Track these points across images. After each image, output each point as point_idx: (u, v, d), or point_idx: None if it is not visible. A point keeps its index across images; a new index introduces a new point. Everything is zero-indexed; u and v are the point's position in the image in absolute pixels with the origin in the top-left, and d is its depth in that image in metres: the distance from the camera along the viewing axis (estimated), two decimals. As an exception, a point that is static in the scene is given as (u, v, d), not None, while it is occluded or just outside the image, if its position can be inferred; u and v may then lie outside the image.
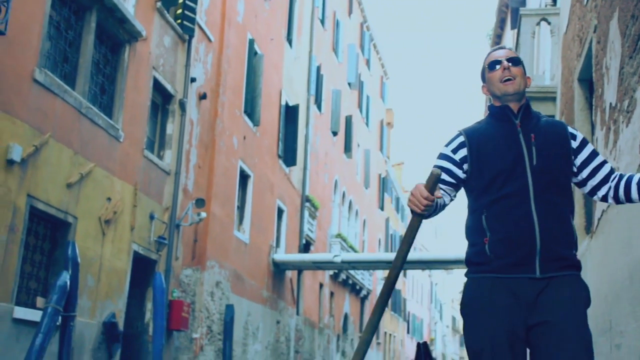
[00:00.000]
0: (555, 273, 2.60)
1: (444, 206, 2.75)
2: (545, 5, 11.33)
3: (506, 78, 2.73)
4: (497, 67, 2.76)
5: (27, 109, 8.30)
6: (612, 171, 2.75)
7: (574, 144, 2.74)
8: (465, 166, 2.75)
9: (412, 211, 2.55)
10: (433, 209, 2.57)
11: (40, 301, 8.45)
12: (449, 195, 2.77)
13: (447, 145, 2.82)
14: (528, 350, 2.63)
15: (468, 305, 2.71)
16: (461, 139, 2.79)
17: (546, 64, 10.86)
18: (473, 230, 2.73)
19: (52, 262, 9.03)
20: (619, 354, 4.76)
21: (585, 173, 2.75)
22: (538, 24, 10.08)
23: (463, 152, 2.76)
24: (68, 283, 6.92)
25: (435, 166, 2.79)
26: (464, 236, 2.81)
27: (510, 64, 2.75)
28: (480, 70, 2.88)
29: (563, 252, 2.63)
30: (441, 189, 2.72)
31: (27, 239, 8.46)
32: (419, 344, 4.67)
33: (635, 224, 4.32)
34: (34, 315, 8.03)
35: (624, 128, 4.69)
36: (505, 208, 2.63)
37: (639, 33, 4.30)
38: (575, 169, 2.75)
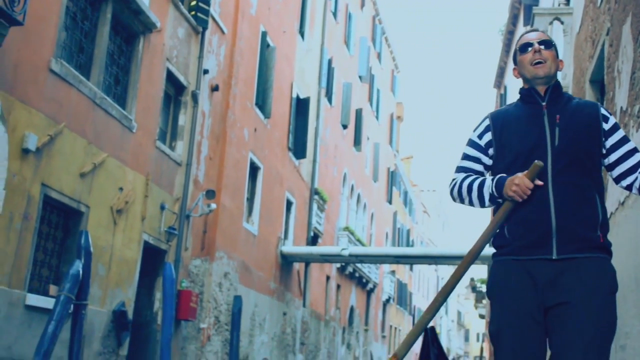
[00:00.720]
0: (574, 255, 2.57)
1: None
2: (559, 5, 11.34)
3: (537, 61, 2.72)
4: (529, 49, 2.75)
5: (42, 98, 8.40)
6: None
7: (606, 126, 2.70)
8: (491, 150, 2.78)
9: (510, 198, 2.61)
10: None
11: (53, 289, 8.57)
12: None
13: (474, 130, 2.85)
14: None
15: (490, 288, 2.73)
16: (487, 122, 2.82)
17: (558, 63, 10.88)
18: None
19: (64, 250, 9.15)
20: (623, 355, 4.82)
21: (613, 157, 2.70)
22: (551, 23, 10.10)
23: (488, 136, 2.79)
24: (80, 272, 7.01)
25: (464, 153, 2.85)
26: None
27: (542, 47, 2.74)
28: (512, 53, 2.87)
29: (584, 233, 2.58)
30: (472, 177, 2.77)
31: (40, 227, 8.58)
32: (426, 329, 4.71)
33: (643, 228, 4.37)
34: (46, 302, 8.16)
35: (634, 132, 4.73)
36: None
37: (652, 39, 4.34)
38: (604, 151, 2.71)
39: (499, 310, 2.65)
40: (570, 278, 2.54)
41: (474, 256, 2.68)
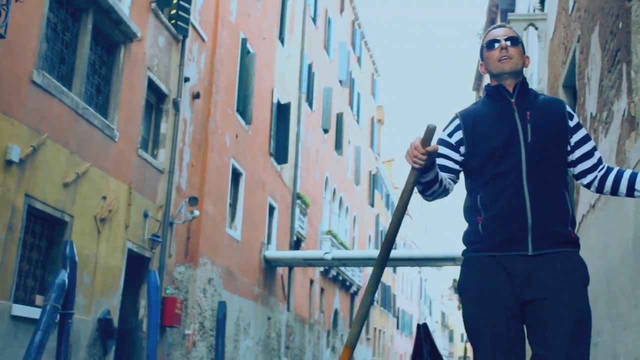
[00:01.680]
0: (548, 250, 2.58)
1: (446, 191, 2.76)
2: (534, 10, 11.56)
3: (503, 57, 2.71)
4: (496, 45, 2.74)
5: (25, 110, 8.46)
6: (600, 161, 2.76)
7: (571, 123, 2.74)
8: (462, 149, 2.76)
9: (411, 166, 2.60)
10: (428, 168, 2.57)
11: (38, 299, 8.62)
12: (452, 181, 2.78)
13: (444, 130, 2.82)
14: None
15: (463, 285, 2.72)
16: (457, 121, 2.80)
17: (533, 68, 11.10)
18: (469, 210, 2.75)
19: (48, 260, 9.20)
20: (595, 352, 5.00)
21: (577, 154, 2.74)
22: (526, 28, 10.31)
23: (459, 134, 2.77)
24: (66, 281, 7.08)
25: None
26: (463, 217, 2.82)
27: (508, 43, 2.73)
28: (479, 49, 2.86)
29: (557, 229, 2.61)
30: (443, 176, 2.74)
31: (24, 238, 8.63)
32: (419, 325, 4.82)
33: (612, 230, 4.54)
34: (31, 312, 8.21)
35: (603, 138, 4.90)
36: (499, 186, 2.64)
37: (617, 49, 4.52)
38: (569, 148, 2.74)
39: (475, 306, 2.65)
40: (545, 273, 2.56)
41: (391, 239, 2.63)
